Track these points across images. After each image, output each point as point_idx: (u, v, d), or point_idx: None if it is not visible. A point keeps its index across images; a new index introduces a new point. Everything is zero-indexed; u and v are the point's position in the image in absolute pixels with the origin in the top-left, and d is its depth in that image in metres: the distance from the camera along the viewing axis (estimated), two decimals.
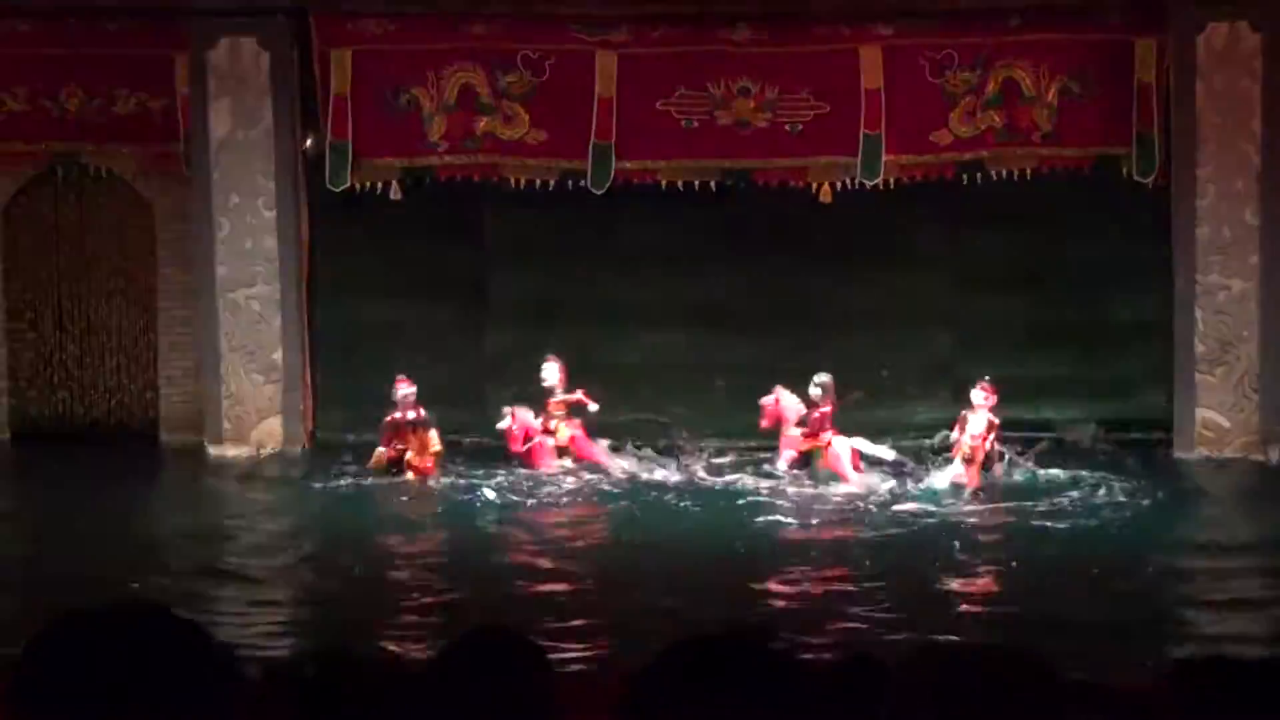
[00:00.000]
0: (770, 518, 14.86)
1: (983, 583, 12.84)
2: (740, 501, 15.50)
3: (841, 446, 16.22)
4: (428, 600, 12.16)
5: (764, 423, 16.60)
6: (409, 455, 16.50)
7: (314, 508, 15.72)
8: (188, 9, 17.55)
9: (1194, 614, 11.74)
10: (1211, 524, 14.82)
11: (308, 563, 13.59)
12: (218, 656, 2.27)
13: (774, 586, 12.48)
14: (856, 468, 16.23)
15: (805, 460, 16.35)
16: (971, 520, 14.84)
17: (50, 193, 18.60)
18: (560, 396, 16.90)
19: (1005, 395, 17.69)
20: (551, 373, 16.98)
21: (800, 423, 16.38)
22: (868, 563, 13.12)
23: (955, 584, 12.70)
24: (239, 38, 17.53)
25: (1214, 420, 17.25)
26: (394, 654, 9.66)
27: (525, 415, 16.93)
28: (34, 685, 2.20)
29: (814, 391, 16.31)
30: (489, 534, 14.58)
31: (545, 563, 13.41)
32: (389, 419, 16.59)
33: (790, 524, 14.71)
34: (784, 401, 16.44)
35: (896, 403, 17.58)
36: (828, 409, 16.24)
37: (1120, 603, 11.84)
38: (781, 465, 16.40)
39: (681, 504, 15.44)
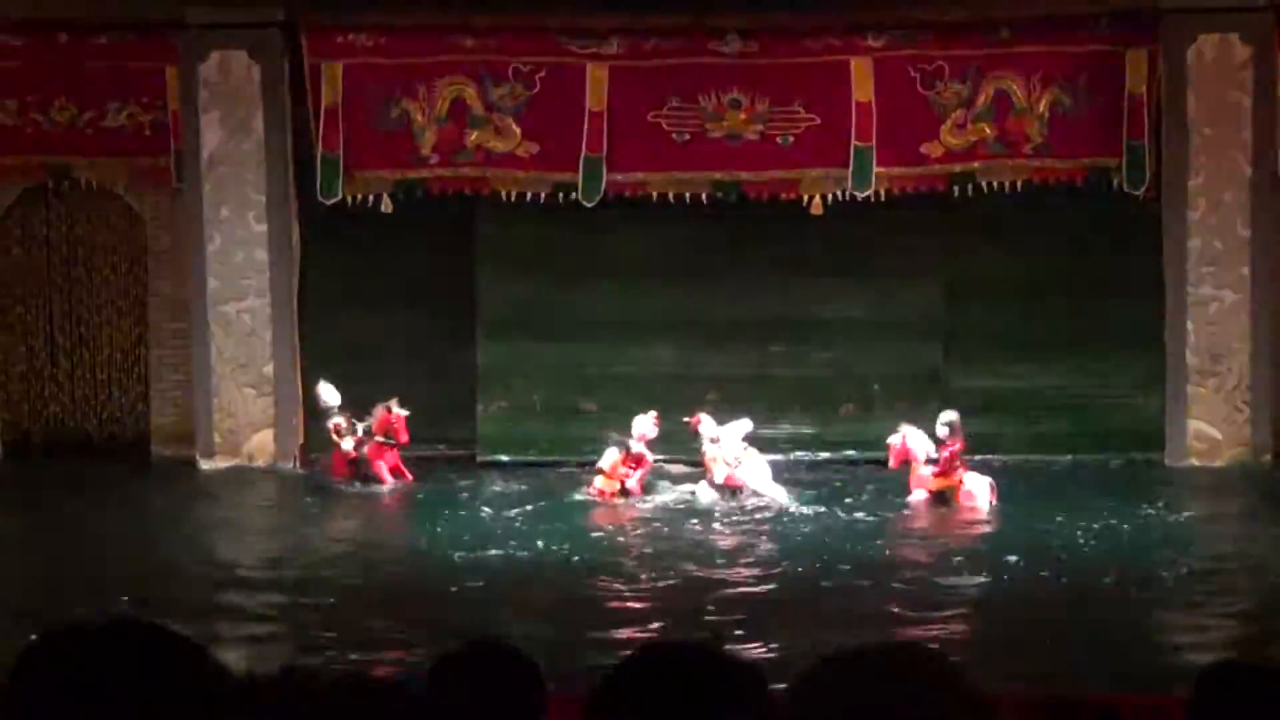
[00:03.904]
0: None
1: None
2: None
3: (975, 483, 15.76)
4: (425, 609, 12.13)
5: (892, 463, 16.11)
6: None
7: (307, 519, 15.71)
8: (179, 22, 17.53)
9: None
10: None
11: (300, 576, 13.54)
12: (209, 672, 2.26)
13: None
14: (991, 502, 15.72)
15: (940, 498, 15.81)
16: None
17: (41, 206, 18.59)
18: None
19: (995, 407, 17.73)
20: (330, 395, 17.13)
21: (929, 461, 15.84)
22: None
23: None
24: (230, 51, 17.52)
25: (1206, 431, 17.25)
26: (387, 668, 9.64)
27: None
28: (24, 701, 2.19)
29: (941, 430, 15.79)
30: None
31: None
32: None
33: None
34: (911, 440, 15.90)
35: (887, 415, 17.55)
36: (957, 446, 15.72)
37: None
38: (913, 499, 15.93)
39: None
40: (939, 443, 15.80)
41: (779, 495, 15.97)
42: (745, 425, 16.40)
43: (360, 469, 16.98)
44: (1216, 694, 2.77)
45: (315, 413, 17.38)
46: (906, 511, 15.67)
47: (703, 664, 2.60)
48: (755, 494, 16.02)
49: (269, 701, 2.20)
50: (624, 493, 16.17)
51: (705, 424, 16.38)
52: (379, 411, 16.84)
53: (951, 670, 2.22)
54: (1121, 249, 17.71)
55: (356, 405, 17.04)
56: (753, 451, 16.32)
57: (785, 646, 10.42)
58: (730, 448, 16.24)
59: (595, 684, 2.63)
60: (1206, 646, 10.82)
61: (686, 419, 16.46)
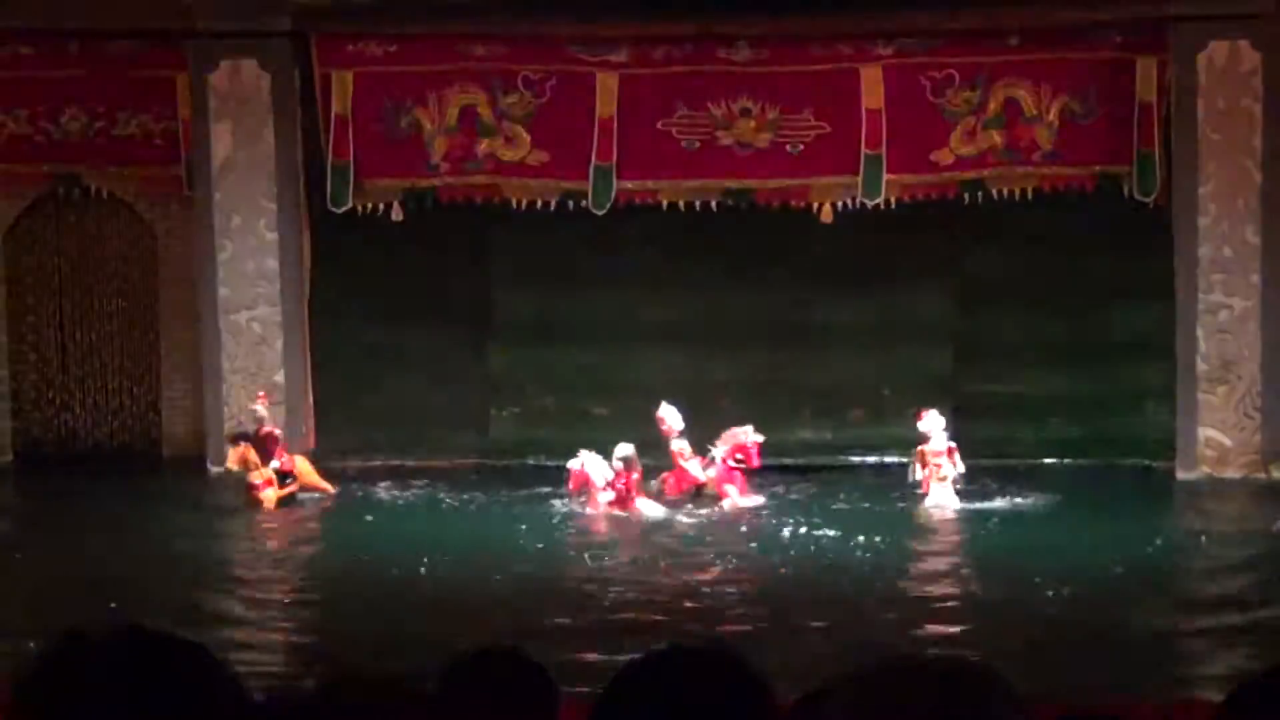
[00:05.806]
0: None
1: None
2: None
3: (648, 508, 15.85)
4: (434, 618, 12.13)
5: (571, 486, 16.04)
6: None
7: (313, 528, 15.72)
8: (189, 31, 17.57)
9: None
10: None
11: (310, 584, 13.55)
12: (222, 680, 2.26)
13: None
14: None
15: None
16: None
17: (52, 215, 18.64)
18: None
19: (1006, 413, 17.70)
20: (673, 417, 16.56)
21: (608, 486, 15.88)
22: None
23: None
24: (240, 59, 17.54)
25: (1216, 439, 17.23)
26: (399, 674, 9.62)
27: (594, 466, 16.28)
28: (36, 710, 2.19)
29: (616, 465, 15.76)
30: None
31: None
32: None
33: None
34: (589, 466, 15.90)
35: (898, 420, 17.55)
36: (634, 477, 15.79)
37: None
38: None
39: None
40: (616, 473, 15.82)
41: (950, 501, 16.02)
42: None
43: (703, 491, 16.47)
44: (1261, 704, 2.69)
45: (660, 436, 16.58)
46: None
47: (707, 669, 2.61)
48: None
49: (277, 711, 2.21)
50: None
51: (926, 420, 16.30)
52: (733, 435, 16.36)
53: (1005, 685, 2.21)
54: (1131, 256, 17.71)
55: (365, 414, 17.00)
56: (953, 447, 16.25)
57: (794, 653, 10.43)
58: (937, 443, 16.19)
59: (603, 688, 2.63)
60: (1218, 655, 10.83)
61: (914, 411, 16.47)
